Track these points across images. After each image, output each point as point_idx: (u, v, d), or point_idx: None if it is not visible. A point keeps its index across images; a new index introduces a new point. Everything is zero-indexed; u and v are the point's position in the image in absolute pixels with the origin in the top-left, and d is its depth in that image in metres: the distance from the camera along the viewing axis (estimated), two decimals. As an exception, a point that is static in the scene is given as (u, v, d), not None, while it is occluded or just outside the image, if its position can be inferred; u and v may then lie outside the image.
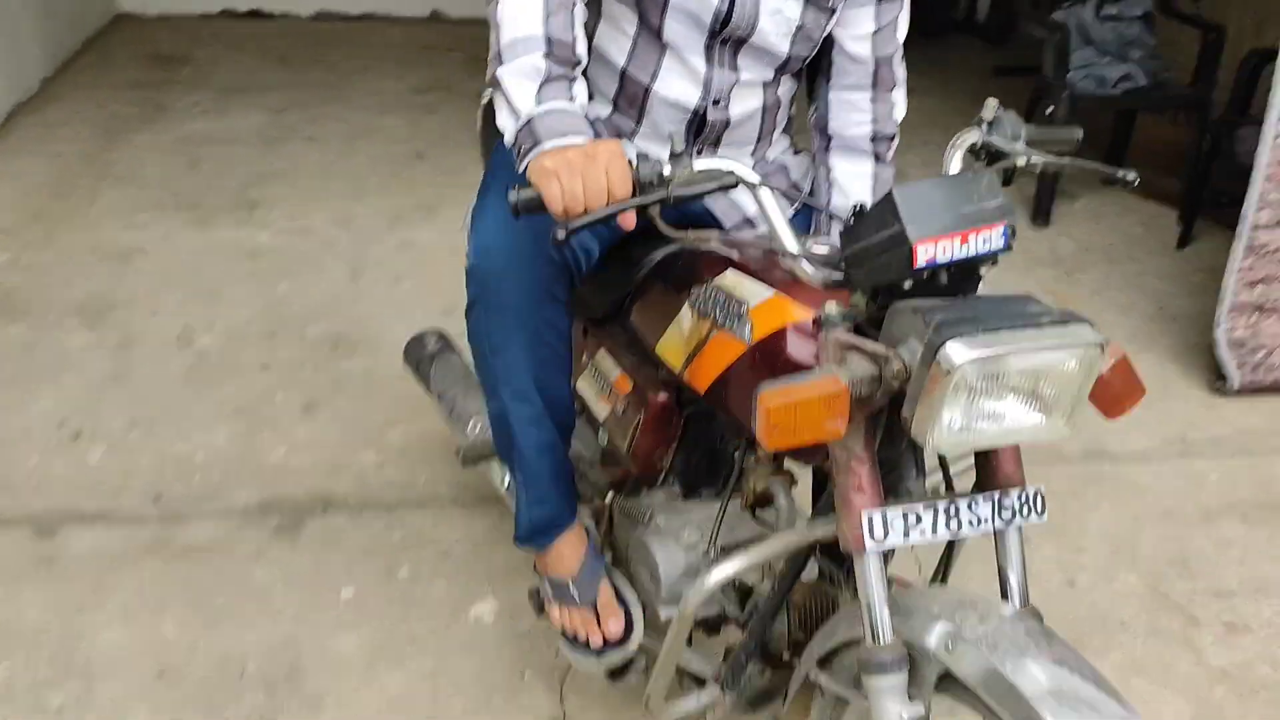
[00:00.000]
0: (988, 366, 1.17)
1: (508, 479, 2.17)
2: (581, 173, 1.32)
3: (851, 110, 1.77)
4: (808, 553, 1.57)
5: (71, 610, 2.20)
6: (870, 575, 1.32)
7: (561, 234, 1.30)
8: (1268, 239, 2.98)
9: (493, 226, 1.64)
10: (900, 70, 1.78)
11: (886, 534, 1.31)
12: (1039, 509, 1.36)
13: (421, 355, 2.44)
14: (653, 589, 1.81)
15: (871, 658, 1.31)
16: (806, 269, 1.37)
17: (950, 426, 1.20)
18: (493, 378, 1.71)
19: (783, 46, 1.66)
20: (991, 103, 1.47)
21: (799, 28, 1.64)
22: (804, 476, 1.71)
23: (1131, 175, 1.53)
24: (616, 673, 1.90)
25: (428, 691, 2.07)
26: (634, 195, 1.34)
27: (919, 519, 1.32)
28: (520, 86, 1.45)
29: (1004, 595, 1.41)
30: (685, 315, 1.62)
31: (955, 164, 1.46)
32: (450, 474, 2.65)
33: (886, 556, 1.35)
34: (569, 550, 1.81)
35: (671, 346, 1.65)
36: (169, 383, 2.94)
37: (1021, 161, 1.45)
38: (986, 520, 1.35)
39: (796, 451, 1.52)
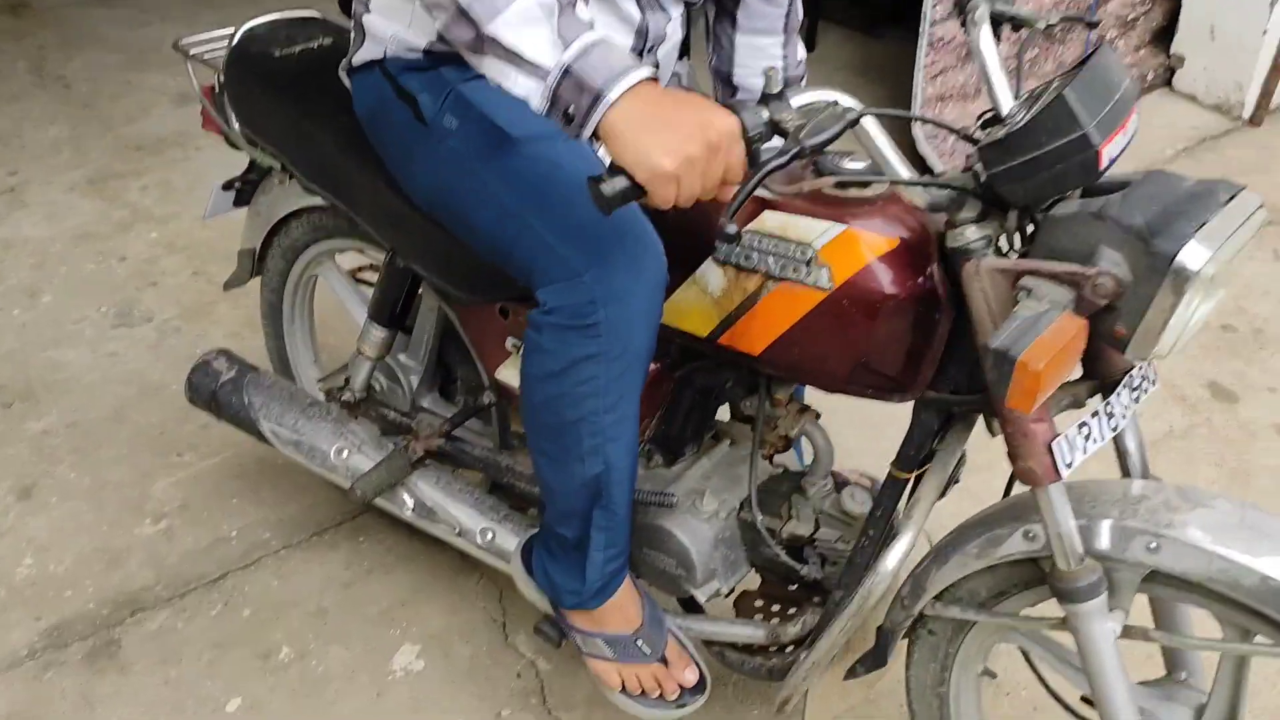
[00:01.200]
0: (1219, 261, 1.07)
1: (411, 503, 1.81)
2: (703, 170, 1.08)
3: (760, 57, 1.63)
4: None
5: None
6: (1057, 503, 1.23)
7: (734, 229, 1.03)
8: (943, 32, 3.12)
9: (607, 267, 1.30)
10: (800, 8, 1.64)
11: (1072, 457, 1.22)
12: (1153, 379, 1.34)
13: (216, 386, 1.92)
14: (683, 574, 1.61)
15: (1074, 584, 1.26)
16: (919, 194, 1.19)
17: (1179, 331, 1.11)
18: (597, 437, 1.37)
19: None
20: None
21: None
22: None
23: (1098, 19, 1.50)
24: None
25: (408, 778, 1.73)
26: (749, 160, 1.08)
27: (1089, 430, 1.26)
28: (530, 35, 1.11)
29: (1125, 472, 1.39)
30: (710, 274, 1.36)
31: (985, 38, 1.32)
32: (260, 513, 2.18)
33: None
34: (629, 600, 1.55)
35: (689, 311, 1.40)
36: None
37: (1041, 25, 1.34)
38: (1128, 407, 1.30)
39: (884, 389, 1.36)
